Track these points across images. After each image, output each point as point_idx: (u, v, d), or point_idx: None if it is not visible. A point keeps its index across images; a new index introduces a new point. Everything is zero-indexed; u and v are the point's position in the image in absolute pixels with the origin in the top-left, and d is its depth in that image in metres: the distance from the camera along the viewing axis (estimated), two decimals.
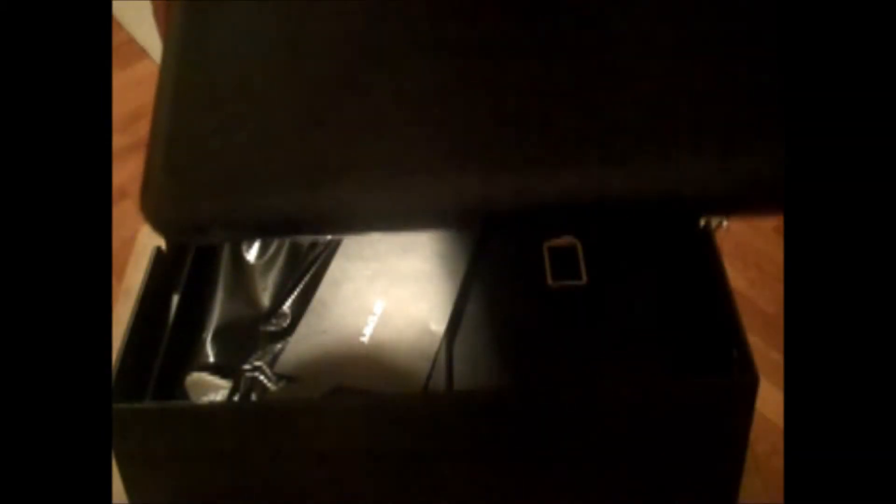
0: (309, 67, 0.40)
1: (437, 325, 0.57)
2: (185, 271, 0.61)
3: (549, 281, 0.60)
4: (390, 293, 0.59)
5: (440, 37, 0.40)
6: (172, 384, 0.56)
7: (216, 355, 0.57)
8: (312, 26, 0.41)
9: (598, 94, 0.39)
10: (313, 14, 0.41)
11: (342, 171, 0.39)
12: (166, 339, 0.58)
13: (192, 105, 0.40)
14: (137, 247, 0.76)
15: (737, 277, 1.48)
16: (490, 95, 0.39)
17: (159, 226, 0.40)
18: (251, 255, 0.63)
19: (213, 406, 0.52)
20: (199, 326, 0.59)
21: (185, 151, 0.39)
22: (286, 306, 0.60)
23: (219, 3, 0.41)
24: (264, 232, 0.49)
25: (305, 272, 0.61)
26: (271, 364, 0.55)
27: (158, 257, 0.57)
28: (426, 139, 0.39)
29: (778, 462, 1.07)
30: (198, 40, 0.41)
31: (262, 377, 0.55)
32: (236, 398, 0.54)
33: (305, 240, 0.63)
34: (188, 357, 0.58)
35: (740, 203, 0.40)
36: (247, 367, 0.56)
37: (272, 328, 0.58)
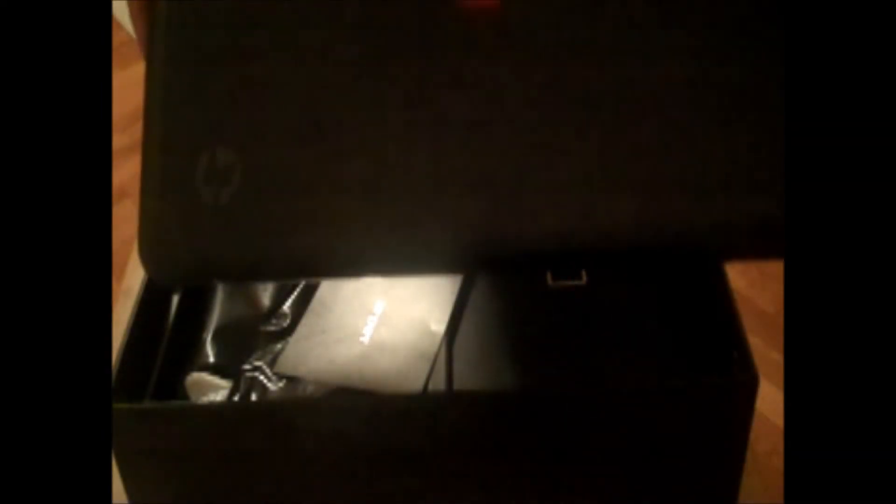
0: (299, 105, 0.40)
1: (437, 325, 0.57)
2: None
3: (549, 281, 0.60)
4: (390, 293, 0.59)
5: (444, 73, 0.40)
6: (172, 384, 0.56)
7: (216, 355, 0.57)
8: (301, 65, 0.40)
9: (600, 141, 0.39)
10: (304, 49, 0.40)
11: (338, 216, 0.39)
12: (166, 339, 0.58)
13: (182, 150, 0.39)
14: None
15: (737, 277, 1.48)
16: (494, 137, 0.39)
17: (160, 279, 0.40)
18: None
19: (213, 406, 0.52)
20: (199, 326, 0.59)
21: (180, 205, 0.39)
22: (286, 306, 0.60)
23: (203, 42, 0.41)
24: (267, 278, 0.50)
25: None
26: (271, 364, 0.55)
27: None
28: (428, 183, 0.39)
29: (778, 462, 1.07)
30: (184, 73, 0.40)
31: (262, 377, 0.55)
32: (236, 398, 0.54)
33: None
34: (188, 357, 0.58)
35: (744, 250, 0.40)
36: (247, 367, 0.56)
37: (272, 328, 0.58)
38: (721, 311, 0.52)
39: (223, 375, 0.56)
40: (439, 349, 0.56)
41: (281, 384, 0.54)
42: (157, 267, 0.40)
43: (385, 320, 0.57)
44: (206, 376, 0.56)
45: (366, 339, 0.56)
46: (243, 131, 0.40)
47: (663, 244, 0.39)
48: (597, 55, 0.40)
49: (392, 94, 0.40)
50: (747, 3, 0.40)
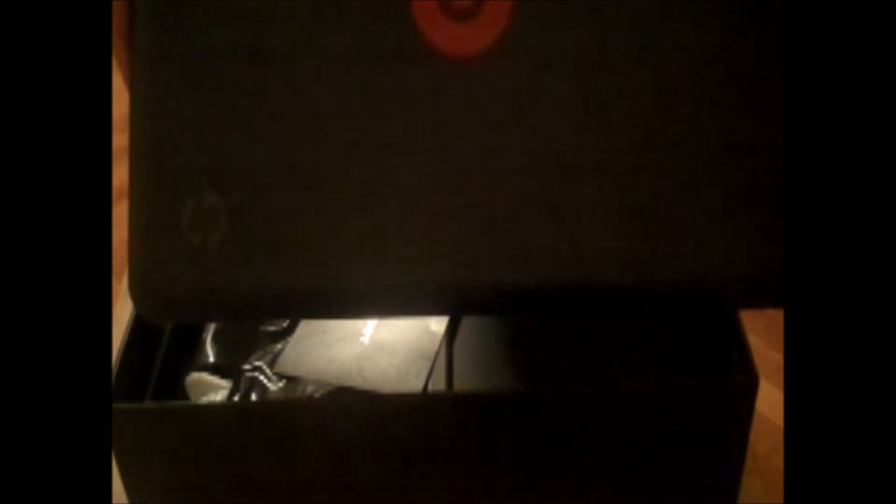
0: (284, 149, 0.40)
1: (437, 325, 0.57)
2: None
3: None
4: None
5: (429, 119, 0.40)
6: (172, 384, 0.56)
7: (216, 355, 0.57)
8: (290, 102, 0.41)
9: (595, 191, 0.40)
10: (291, 91, 0.41)
11: (324, 260, 0.40)
12: (166, 339, 0.58)
13: (167, 195, 0.40)
14: None
15: None
16: (485, 184, 0.40)
17: (148, 315, 0.42)
18: None
19: (213, 406, 0.52)
20: (199, 326, 0.59)
21: (166, 248, 0.40)
22: None
23: (186, 86, 0.41)
24: (255, 318, 0.52)
25: None
26: (271, 364, 0.55)
27: None
28: (417, 226, 0.40)
29: (778, 462, 1.07)
30: (168, 116, 0.41)
31: (262, 377, 0.55)
32: (236, 398, 0.54)
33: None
34: (188, 357, 0.58)
35: (743, 300, 0.41)
36: (247, 367, 0.56)
37: (272, 328, 0.58)
38: (721, 311, 0.52)
39: (223, 375, 0.56)
40: (439, 349, 0.55)
41: (281, 384, 0.54)
42: (146, 306, 0.41)
43: (385, 320, 0.57)
44: (206, 376, 0.56)
45: (366, 339, 0.56)
46: (228, 175, 0.40)
47: (662, 296, 0.39)
48: (586, 103, 0.40)
49: (379, 140, 0.40)
50: (748, 49, 0.40)
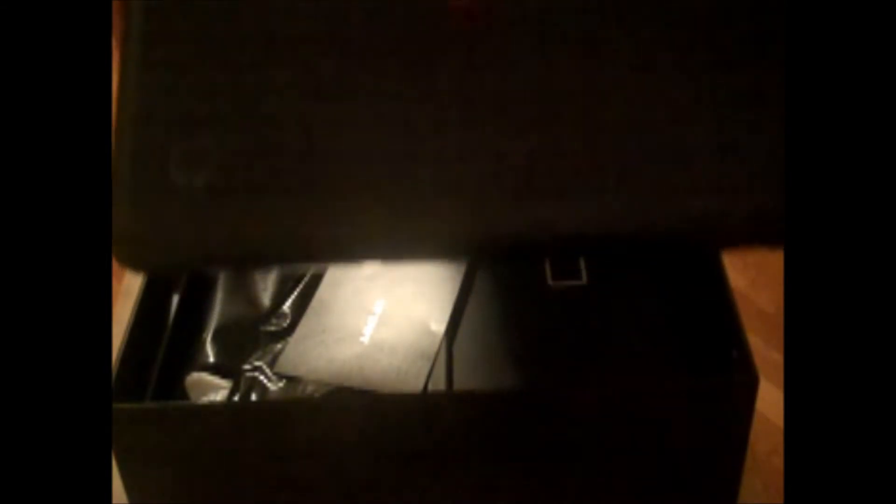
0: (282, 87, 0.39)
1: (437, 325, 0.57)
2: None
3: (549, 281, 0.60)
4: (390, 293, 0.59)
5: (437, 65, 0.40)
6: (172, 384, 0.56)
7: (216, 355, 0.57)
8: (288, 40, 0.40)
9: (601, 134, 0.39)
10: (291, 29, 0.40)
11: (323, 200, 0.38)
12: (166, 339, 0.58)
13: (154, 132, 0.39)
14: None
15: (737, 277, 1.47)
16: (493, 127, 0.39)
17: (136, 268, 0.40)
18: None
19: (213, 406, 0.52)
20: (199, 326, 0.59)
21: (151, 189, 0.38)
22: (286, 306, 0.60)
23: (182, 15, 0.40)
24: (245, 265, 0.50)
25: (305, 272, 0.61)
26: (271, 364, 0.55)
27: None
28: (417, 168, 0.39)
29: (778, 462, 1.07)
30: (158, 55, 0.40)
31: (262, 377, 0.55)
32: (236, 398, 0.54)
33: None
34: (188, 357, 0.58)
35: (743, 238, 0.40)
36: (247, 367, 0.56)
37: (272, 328, 0.58)
38: (721, 311, 0.52)
39: (223, 375, 0.56)
40: (439, 349, 0.56)
41: (281, 384, 0.54)
42: (130, 254, 0.39)
43: (385, 320, 0.57)
44: (206, 376, 0.56)
45: (366, 339, 0.56)
46: (225, 117, 0.39)
47: (661, 231, 0.39)
48: (592, 53, 0.40)
49: (384, 84, 0.39)
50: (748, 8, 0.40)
